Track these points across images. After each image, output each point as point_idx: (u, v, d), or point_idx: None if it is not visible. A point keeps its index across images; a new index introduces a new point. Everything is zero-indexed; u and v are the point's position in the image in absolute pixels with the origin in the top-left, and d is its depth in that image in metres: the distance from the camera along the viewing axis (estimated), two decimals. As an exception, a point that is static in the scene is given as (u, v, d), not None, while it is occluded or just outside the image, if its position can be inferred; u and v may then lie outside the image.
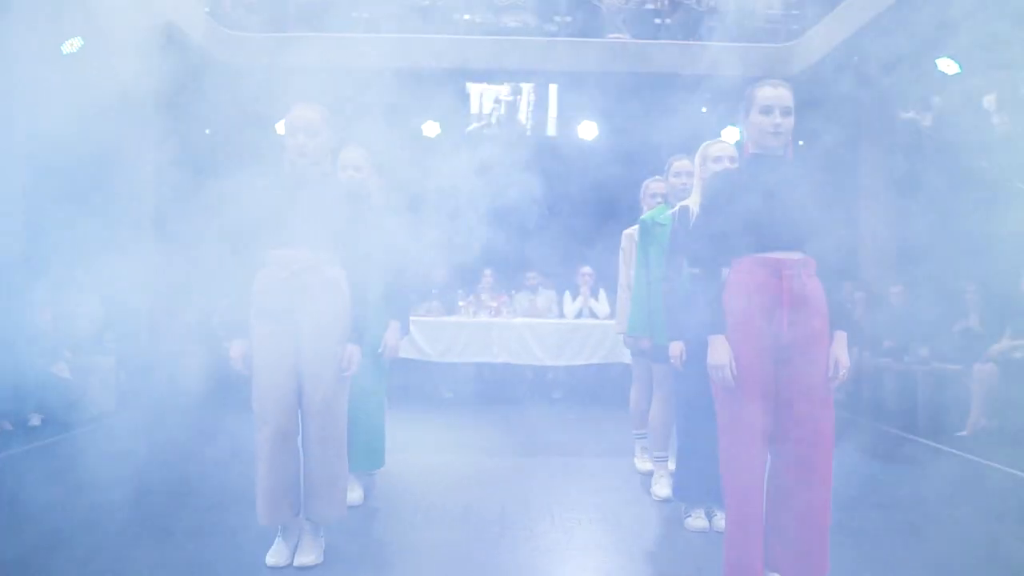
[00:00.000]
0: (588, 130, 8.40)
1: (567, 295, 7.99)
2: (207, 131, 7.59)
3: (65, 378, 5.39)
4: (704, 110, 8.31)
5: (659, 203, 4.18)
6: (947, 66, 6.41)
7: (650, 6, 8.50)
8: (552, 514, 3.63)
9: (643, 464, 4.43)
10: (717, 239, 2.55)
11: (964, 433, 5.70)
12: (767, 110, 2.52)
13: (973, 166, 8.27)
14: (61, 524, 3.30)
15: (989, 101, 8.58)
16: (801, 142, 8.82)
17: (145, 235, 7.58)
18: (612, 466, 4.66)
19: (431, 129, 8.38)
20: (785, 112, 2.54)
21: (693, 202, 3.39)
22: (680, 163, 3.88)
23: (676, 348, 3.39)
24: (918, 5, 6.40)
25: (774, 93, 2.55)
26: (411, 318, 6.99)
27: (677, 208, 3.52)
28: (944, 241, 7.67)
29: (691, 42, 8.12)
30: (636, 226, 4.34)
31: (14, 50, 5.10)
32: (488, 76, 8.17)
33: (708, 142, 3.48)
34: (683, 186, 3.84)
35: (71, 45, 5.58)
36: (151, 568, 2.81)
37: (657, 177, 4.43)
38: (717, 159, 3.38)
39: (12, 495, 3.80)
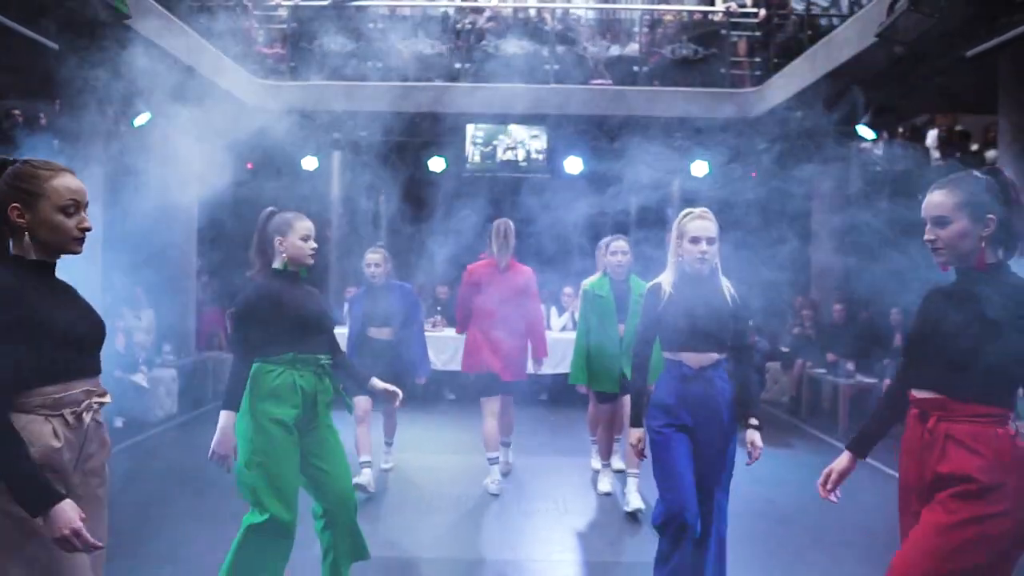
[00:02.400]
0: (574, 165, 9.55)
1: (554, 310, 9.20)
2: (249, 166, 8.75)
3: (143, 387, 6.72)
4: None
5: (601, 273, 4.92)
6: (865, 132, 7.44)
7: (630, 53, 9.62)
8: (519, 503, 4.89)
9: (596, 464, 5.63)
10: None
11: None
12: (695, 240, 2.97)
13: (912, 200, 9.35)
14: (166, 506, 4.60)
15: (931, 137, 9.68)
16: (754, 174, 9.96)
17: (191, 258, 8.86)
18: (574, 464, 5.88)
19: (436, 164, 9.58)
20: (709, 241, 2.97)
21: (666, 280, 3.06)
22: (617, 243, 4.72)
23: (634, 435, 3.10)
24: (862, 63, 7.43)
25: (700, 225, 3.00)
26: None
27: (649, 286, 3.15)
28: (882, 267, 8.79)
29: (665, 88, 9.24)
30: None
31: (99, 127, 6.44)
32: (485, 118, 9.33)
33: (687, 214, 3.05)
34: (619, 263, 4.68)
35: (141, 119, 6.85)
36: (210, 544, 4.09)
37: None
38: (695, 240, 2.99)
39: (124, 483, 5.10)
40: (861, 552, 4.09)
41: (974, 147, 9.17)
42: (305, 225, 2.98)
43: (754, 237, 9.20)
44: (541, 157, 9.53)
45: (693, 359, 2.97)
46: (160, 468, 5.57)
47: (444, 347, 8.42)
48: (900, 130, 9.73)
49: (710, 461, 2.99)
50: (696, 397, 2.95)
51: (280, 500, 2.79)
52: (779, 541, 4.30)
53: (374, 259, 5.08)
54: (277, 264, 2.97)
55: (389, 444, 5.66)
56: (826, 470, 2.34)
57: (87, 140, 6.68)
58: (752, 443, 2.98)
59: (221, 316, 9.49)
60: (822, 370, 8.03)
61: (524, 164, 9.52)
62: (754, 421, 3.02)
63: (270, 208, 3.05)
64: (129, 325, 7.63)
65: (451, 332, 8.60)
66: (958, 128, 9.28)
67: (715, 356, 2.98)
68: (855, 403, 7.27)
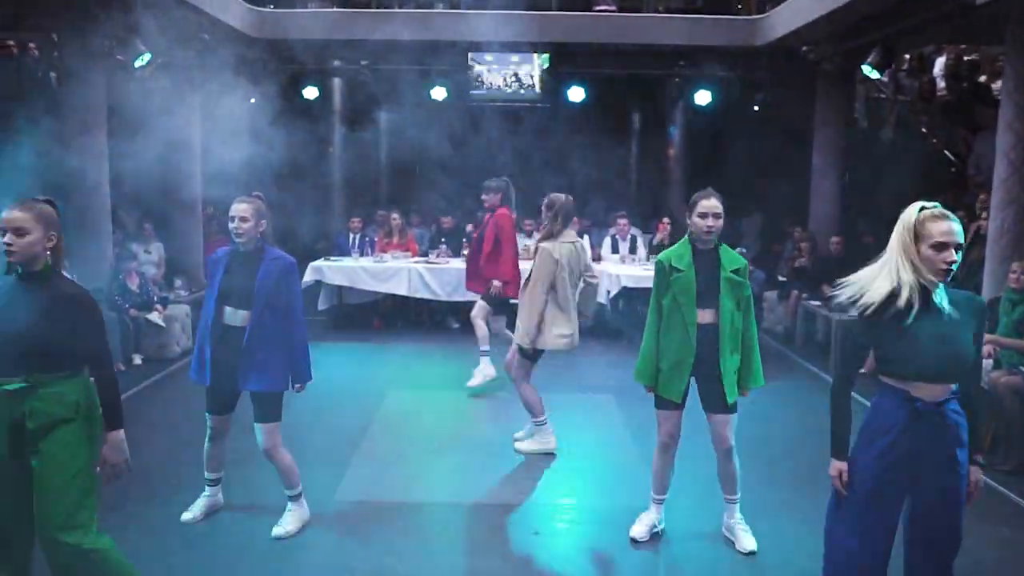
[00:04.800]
0: (577, 94, 9.47)
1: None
2: (252, 100, 8.66)
3: (159, 324, 6.97)
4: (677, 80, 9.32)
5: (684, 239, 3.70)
6: (869, 71, 7.36)
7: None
8: (502, 439, 5.15)
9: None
10: None
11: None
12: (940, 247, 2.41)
13: (915, 131, 9.34)
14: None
15: (939, 65, 9.54)
16: (756, 107, 9.87)
17: (197, 191, 8.90)
18: (579, 402, 6.14)
19: (438, 93, 9.50)
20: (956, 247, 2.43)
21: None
22: (709, 202, 3.53)
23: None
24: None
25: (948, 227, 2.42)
26: (425, 266, 8.42)
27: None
28: (884, 202, 8.87)
29: (670, 15, 9.07)
30: (557, 244, 4.69)
31: (98, 66, 6.42)
32: (488, 46, 9.19)
33: (921, 209, 2.50)
34: (709, 229, 3.49)
35: (141, 60, 6.82)
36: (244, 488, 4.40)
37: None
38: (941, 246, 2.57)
39: (153, 426, 5.40)
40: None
41: (982, 78, 9.06)
42: None
43: (755, 167, 9.27)
44: (544, 85, 9.44)
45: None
46: (183, 408, 5.84)
47: (449, 278, 8.57)
48: (907, 57, 9.59)
49: None
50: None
51: None
52: (770, 481, 4.54)
53: (239, 211, 3.57)
54: None
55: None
56: None
57: (86, 78, 6.66)
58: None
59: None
60: (817, 302, 8.23)
61: (526, 93, 9.44)
62: None
63: None
64: (141, 260, 7.82)
65: (456, 264, 8.76)
66: (967, 59, 9.14)
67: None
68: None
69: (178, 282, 8.12)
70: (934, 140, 8.90)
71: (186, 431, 5.23)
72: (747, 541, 3.72)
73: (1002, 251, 5.74)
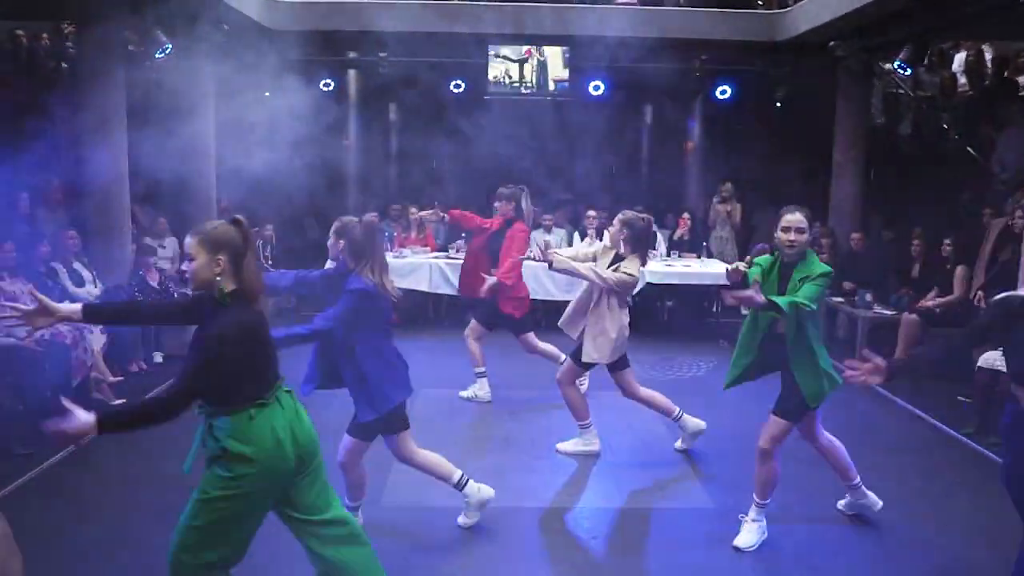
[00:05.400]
0: (596, 88, 9.38)
1: (576, 235, 9.26)
2: (266, 94, 8.51)
3: (178, 322, 6.85)
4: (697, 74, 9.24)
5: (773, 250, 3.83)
6: (899, 68, 7.30)
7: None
8: (541, 440, 5.12)
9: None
10: None
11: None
12: None
13: (936, 126, 9.29)
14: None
15: (958, 61, 9.49)
16: (777, 103, 9.80)
17: (211, 185, 8.75)
18: (613, 400, 6.07)
19: (455, 87, 9.38)
20: None
21: None
22: (792, 217, 3.59)
23: None
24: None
25: None
26: (446, 261, 8.33)
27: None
28: (905, 198, 8.84)
29: (691, 9, 8.97)
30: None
31: (114, 57, 6.29)
32: (507, 39, 9.07)
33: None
34: (791, 243, 3.55)
35: (163, 52, 6.68)
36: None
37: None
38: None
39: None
40: (881, 494, 4.27)
41: (1004, 73, 9.00)
42: None
43: (774, 162, 9.21)
44: (562, 79, 9.33)
45: None
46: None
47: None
48: (927, 52, 9.51)
49: None
50: None
51: None
52: (809, 481, 4.48)
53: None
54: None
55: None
56: None
57: (105, 71, 6.52)
58: None
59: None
60: (839, 299, 8.19)
61: (546, 86, 9.34)
62: None
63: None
64: (159, 257, 7.69)
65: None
66: (988, 55, 9.09)
67: None
68: (872, 335, 7.47)
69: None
70: (956, 136, 8.85)
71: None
72: (741, 537, 3.76)
73: (1038, 249, 5.70)
